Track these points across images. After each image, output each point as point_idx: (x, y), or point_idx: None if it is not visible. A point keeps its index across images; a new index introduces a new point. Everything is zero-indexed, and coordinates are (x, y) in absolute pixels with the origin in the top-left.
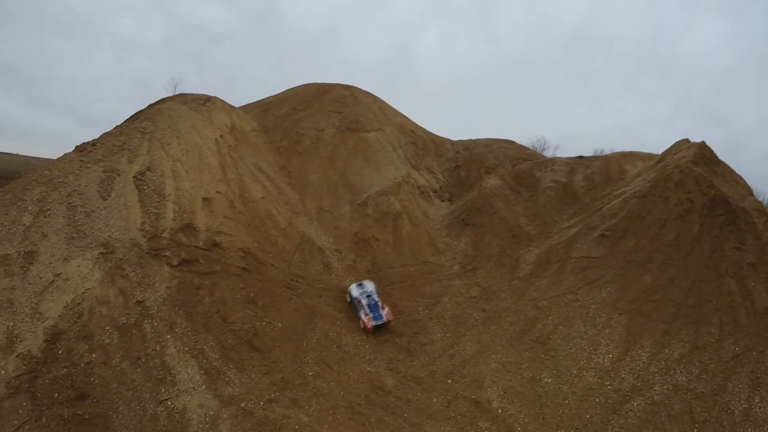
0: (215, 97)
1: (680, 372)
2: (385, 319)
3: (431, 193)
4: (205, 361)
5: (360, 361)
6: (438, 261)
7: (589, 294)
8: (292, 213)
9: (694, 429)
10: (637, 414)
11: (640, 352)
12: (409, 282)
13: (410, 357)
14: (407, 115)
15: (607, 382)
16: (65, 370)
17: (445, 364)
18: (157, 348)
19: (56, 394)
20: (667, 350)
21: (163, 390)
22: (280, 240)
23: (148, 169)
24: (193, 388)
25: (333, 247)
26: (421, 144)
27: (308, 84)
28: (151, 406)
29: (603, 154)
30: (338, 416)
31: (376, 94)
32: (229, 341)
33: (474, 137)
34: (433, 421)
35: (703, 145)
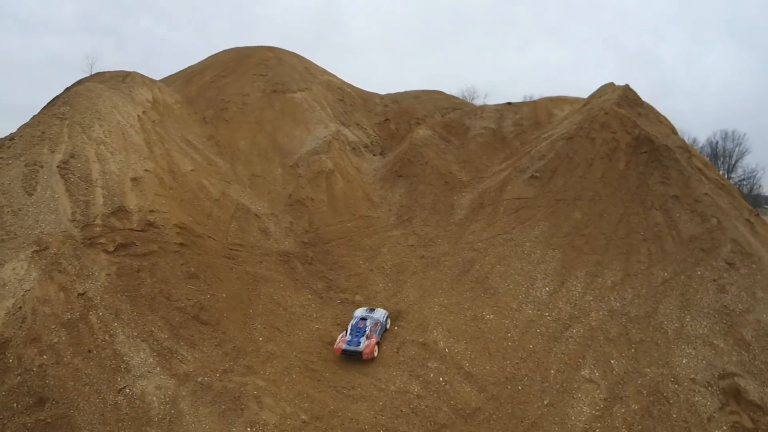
0: (134, 72)
1: (614, 298)
2: (360, 348)
3: (362, 149)
4: (155, 342)
5: (308, 320)
6: (374, 214)
7: (522, 233)
8: (224, 182)
9: (631, 349)
10: (577, 340)
11: (575, 283)
12: (348, 237)
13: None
14: (335, 72)
15: (546, 314)
16: (19, 377)
17: (390, 312)
18: (106, 338)
19: (15, 404)
20: (600, 279)
21: (119, 379)
22: (215, 211)
23: (72, 156)
24: (148, 372)
25: (269, 212)
26: (349, 100)
27: (230, 49)
28: (111, 396)
29: (532, 100)
30: (294, 376)
31: (302, 53)
32: (177, 319)
33: (404, 90)
34: (384, 368)
35: (627, 88)
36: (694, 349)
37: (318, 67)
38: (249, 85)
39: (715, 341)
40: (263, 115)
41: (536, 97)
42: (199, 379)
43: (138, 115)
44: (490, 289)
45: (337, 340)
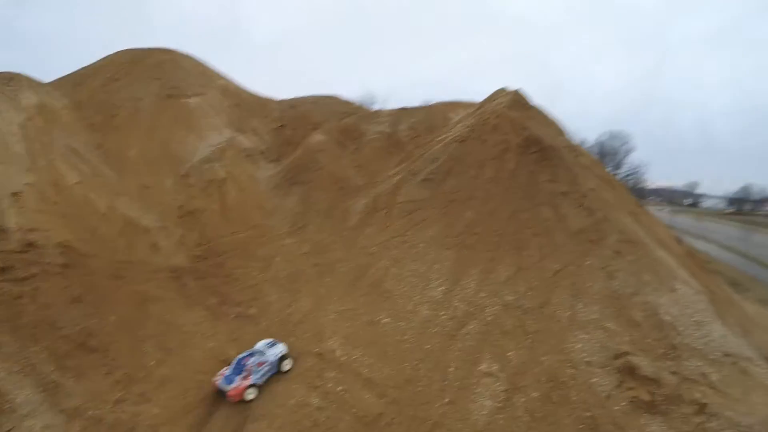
0: (19, 75)
1: (508, 292)
2: (228, 389)
3: (257, 155)
4: (40, 376)
5: (201, 338)
6: (268, 223)
7: (416, 235)
8: (112, 195)
9: (527, 340)
10: (474, 336)
11: (469, 280)
12: (241, 248)
13: (251, 323)
14: (234, 76)
15: (442, 313)
16: None
17: (285, 323)
18: None
19: None
20: (493, 275)
21: (4, 420)
22: (101, 227)
23: None
24: (35, 410)
25: (159, 225)
26: (245, 106)
27: (125, 50)
28: None
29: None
30: (190, 399)
31: (200, 56)
32: (62, 348)
33: (304, 95)
34: (282, 382)
35: (517, 93)
36: (587, 333)
37: (214, 71)
38: (142, 90)
39: (607, 324)
40: (155, 122)
41: (434, 102)
42: (90, 413)
43: (21, 122)
44: (386, 293)
45: (218, 372)
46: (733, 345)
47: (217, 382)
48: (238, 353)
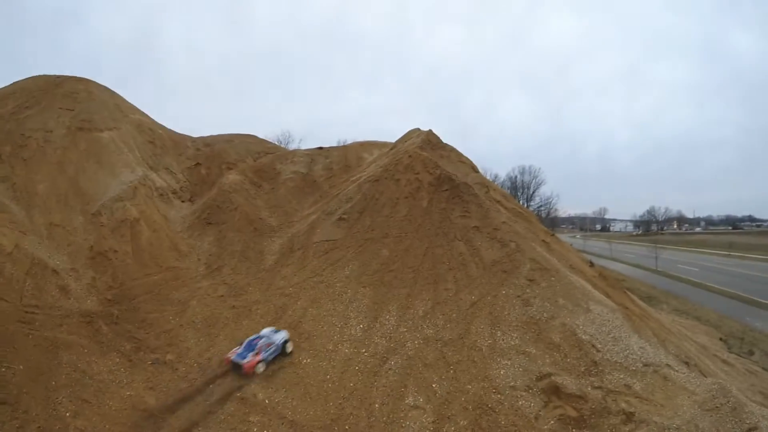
0: None
1: (427, 326)
2: (243, 362)
3: (171, 195)
4: None
5: (117, 387)
6: (183, 265)
7: (333, 274)
8: (18, 233)
9: (450, 370)
10: (397, 371)
11: (388, 317)
12: (155, 291)
13: (168, 370)
14: (148, 110)
15: (363, 350)
16: None
17: (204, 369)
18: None
19: None
20: (412, 310)
21: None
22: (7, 267)
23: None
24: None
25: (68, 267)
26: (159, 143)
27: (38, 76)
28: None
29: (344, 144)
30: None
31: (116, 88)
32: None
33: (218, 132)
34: (204, 429)
35: (430, 133)
36: (509, 359)
37: (129, 104)
38: (53, 120)
39: (527, 349)
40: (66, 156)
41: (350, 142)
42: None
43: None
44: (305, 333)
45: (231, 351)
46: (651, 355)
47: (230, 358)
48: (157, 402)
